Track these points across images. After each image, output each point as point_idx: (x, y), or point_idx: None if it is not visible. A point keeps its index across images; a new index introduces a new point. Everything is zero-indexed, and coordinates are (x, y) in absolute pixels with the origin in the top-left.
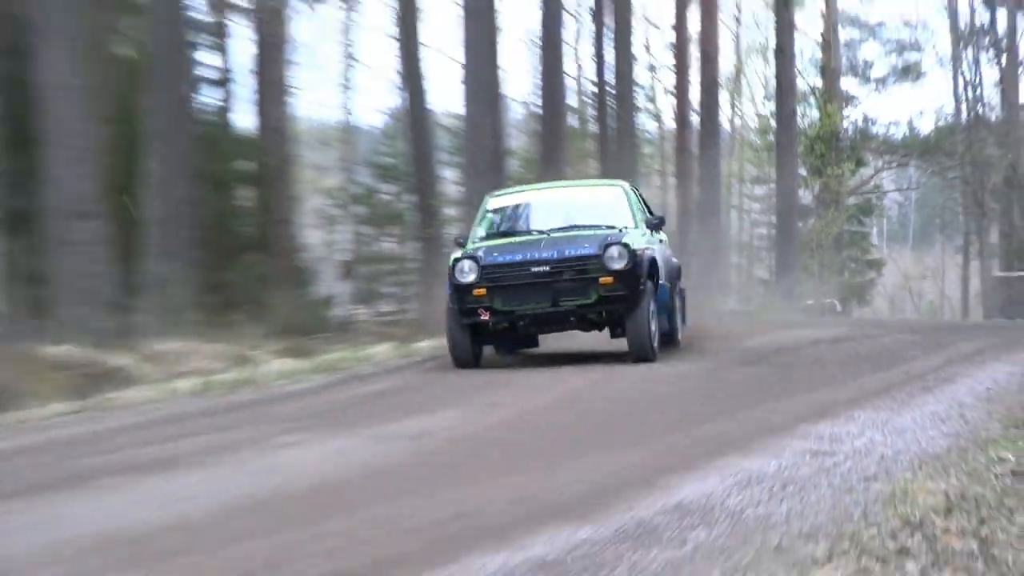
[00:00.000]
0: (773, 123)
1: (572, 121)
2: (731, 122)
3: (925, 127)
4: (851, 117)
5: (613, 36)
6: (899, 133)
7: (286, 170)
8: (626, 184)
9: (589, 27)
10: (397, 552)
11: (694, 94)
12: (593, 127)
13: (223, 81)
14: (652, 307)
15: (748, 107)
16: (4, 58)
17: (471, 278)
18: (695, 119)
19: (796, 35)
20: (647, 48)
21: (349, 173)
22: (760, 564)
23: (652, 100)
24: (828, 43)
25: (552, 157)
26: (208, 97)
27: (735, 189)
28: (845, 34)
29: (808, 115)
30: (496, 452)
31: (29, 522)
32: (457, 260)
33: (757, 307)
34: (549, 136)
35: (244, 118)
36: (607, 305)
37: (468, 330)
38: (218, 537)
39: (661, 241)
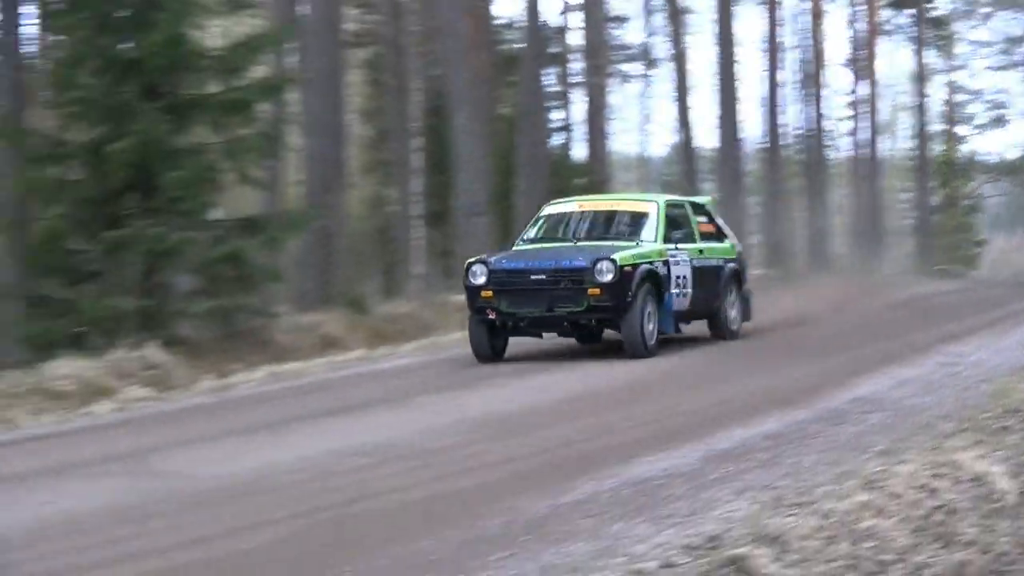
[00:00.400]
0: (915, 153)
1: (786, 153)
2: (887, 153)
3: (1010, 156)
4: (963, 150)
5: (814, 100)
6: (993, 159)
7: (606, 184)
8: (661, 200)
9: (797, 94)
10: (680, 425)
11: (863, 135)
12: (799, 157)
13: (566, 128)
14: (648, 310)
15: (899, 143)
16: (432, 117)
17: (481, 281)
18: (864, 152)
19: (927, 99)
20: (833, 107)
21: (644, 186)
22: (913, 436)
23: (835, 140)
24: (949, 103)
25: (773, 177)
26: (556, 139)
27: (890, 196)
28: (958, 97)
29: (936, 149)
30: (735, 365)
31: (438, 410)
32: (471, 264)
33: (904, 271)
34: (771, 163)
35: (579, 151)
36: (596, 314)
37: (483, 327)
38: (563, 414)
39: (701, 251)
